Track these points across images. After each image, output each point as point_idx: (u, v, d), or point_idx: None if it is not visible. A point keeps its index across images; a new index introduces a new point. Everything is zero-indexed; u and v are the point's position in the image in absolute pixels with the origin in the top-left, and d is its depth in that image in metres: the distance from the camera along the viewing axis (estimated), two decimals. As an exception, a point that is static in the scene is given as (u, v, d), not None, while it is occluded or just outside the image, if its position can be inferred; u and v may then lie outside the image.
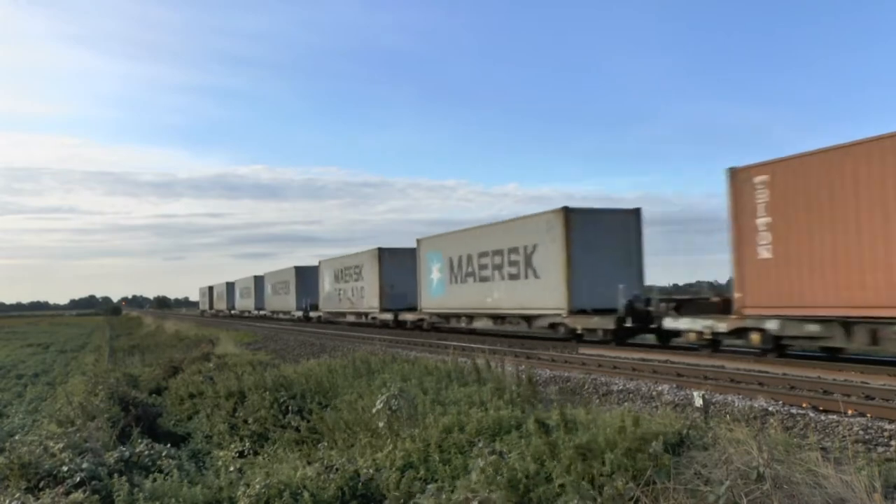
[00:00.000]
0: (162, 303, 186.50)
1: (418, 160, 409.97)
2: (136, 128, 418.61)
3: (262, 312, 63.14)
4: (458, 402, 8.80)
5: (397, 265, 35.76)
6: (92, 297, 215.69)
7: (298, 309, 50.56)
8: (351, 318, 41.16)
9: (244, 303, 70.72)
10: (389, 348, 19.06)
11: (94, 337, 51.20)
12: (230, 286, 79.09)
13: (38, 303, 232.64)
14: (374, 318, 37.05)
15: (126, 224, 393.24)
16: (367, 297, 37.81)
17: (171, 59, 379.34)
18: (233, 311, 76.52)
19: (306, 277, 50.21)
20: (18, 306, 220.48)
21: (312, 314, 48.03)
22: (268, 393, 11.58)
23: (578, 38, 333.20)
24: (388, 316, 35.13)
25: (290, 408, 10.97)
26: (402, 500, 5.73)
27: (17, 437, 8.44)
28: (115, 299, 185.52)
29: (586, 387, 12.73)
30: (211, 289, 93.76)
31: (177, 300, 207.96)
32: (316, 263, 47.50)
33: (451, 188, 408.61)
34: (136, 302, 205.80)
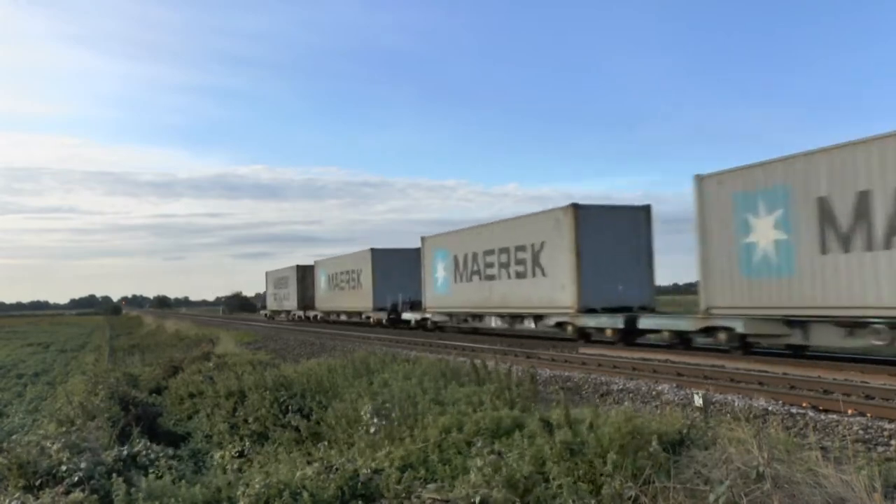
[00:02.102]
0: (162, 302, 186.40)
1: (418, 160, 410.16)
2: (136, 128, 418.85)
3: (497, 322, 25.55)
4: (458, 402, 8.80)
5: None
6: (92, 297, 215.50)
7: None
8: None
9: (467, 293, 26.80)
10: (389, 348, 19.05)
11: (94, 336, 51.18)
12: (381, 258, 36.40)
13: (39, 302, 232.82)
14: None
15: (126, 224, 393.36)
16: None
17: (171, 59, 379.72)
18: (393, 316, 33.92)
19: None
20: (18, 306, 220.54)
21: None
22: (268, 392, 11.57)
23: (578, 38, 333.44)
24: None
25: (290, 407, 10.97)
26: (401, 500, 5.72)
27: (14, 437, 8.43)
28: (115, 299, 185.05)
29: (586, 386, 12.72)
30: (302, 270, 48.03)
31: (177, 300, 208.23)
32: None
33: (451, 188, 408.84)
34: (136, 302, 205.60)
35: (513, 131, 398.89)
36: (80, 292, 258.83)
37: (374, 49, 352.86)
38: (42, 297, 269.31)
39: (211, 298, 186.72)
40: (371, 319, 36.74)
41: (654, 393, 11.49)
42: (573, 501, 5.06)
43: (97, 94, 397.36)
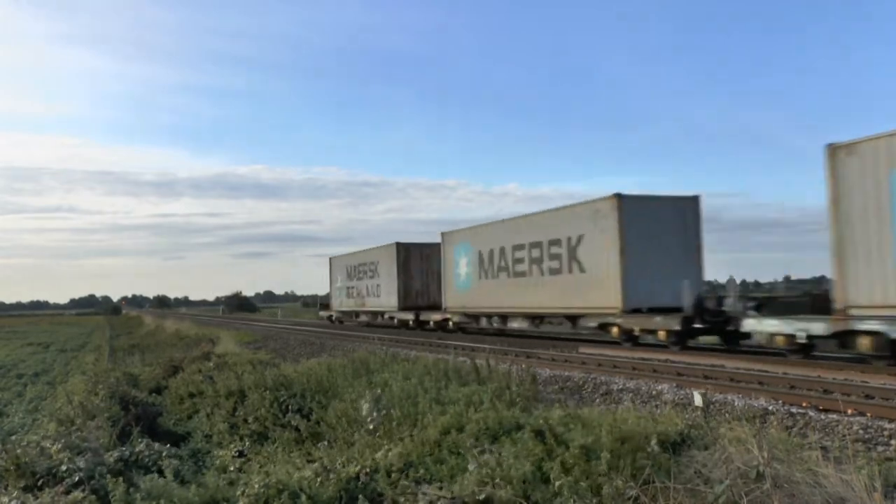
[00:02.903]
0: (162, 302, 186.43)
1: (418, 160, 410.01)
2: (136, 128, 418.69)
3: None
4: (458, 402, 8.79)
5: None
6: (92, 297, 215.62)
7: None
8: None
9: None
10: (389, 348, 19.06)
11: (94, 336, 51.20)
12: (635, 214, 19.24)
13: (38, 302, 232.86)
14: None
15: (126, 224, 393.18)
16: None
17: (170, 60, 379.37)
18: (702, 325, 17.10)
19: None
20: (18, 306, 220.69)
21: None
22: (268, 392, 11.58)
23: (579, 38, 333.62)
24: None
25: (290, 407, 10.98)
26: (402, 499, 5.72)
27: (13, 437, 8.44)
28: (115, 299, 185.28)
29: (586, 386, 12.73)
30: (405, 251, 32.90)
31: (176, 300, 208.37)
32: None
33: (451, 188, 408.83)
34: (136, 301, 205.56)
35: (513, 131, 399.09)
36: (80, 292, 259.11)
37: (374, 49, 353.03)
38: (42, 297, 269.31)
39: (211, 298, 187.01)
40: (617, 329, 19.47)
41: (654, 393, 11.49)
42: (574, 501, 5.06)
43: (97, 94, 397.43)
